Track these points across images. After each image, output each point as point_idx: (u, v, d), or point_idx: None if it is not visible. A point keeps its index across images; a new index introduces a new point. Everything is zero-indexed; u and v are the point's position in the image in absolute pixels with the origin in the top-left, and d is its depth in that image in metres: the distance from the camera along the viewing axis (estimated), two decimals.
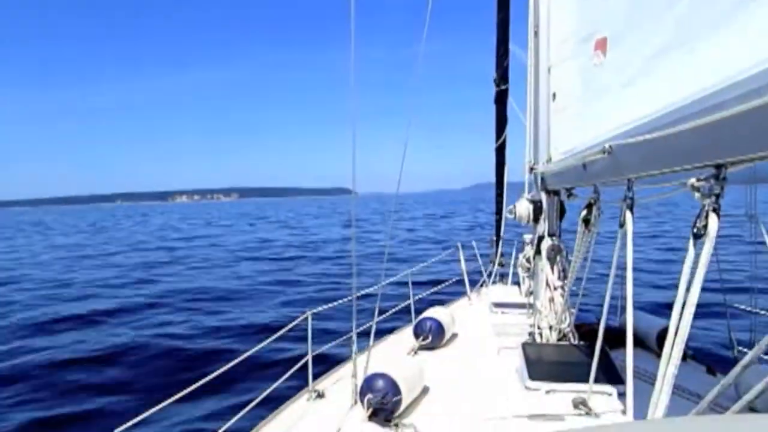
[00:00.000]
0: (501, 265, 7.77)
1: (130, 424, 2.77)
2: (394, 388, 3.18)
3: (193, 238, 37.50)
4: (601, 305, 2.87)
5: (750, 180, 3.48)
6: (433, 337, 4.63)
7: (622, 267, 2.48)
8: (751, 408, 1.47)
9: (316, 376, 3.98)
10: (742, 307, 4.34)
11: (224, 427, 3.34)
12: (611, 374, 3.40)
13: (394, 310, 6.11)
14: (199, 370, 7.74)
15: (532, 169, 4.71)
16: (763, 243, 3.42)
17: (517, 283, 7.00)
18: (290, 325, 4.12)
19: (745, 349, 3.86)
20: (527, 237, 5.15)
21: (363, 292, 5.00)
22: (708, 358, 4.58)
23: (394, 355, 4.31)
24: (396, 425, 3.15)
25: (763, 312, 4.18)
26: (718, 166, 1.62)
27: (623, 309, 4.70)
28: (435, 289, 7.72)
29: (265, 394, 3.87)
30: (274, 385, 3.98)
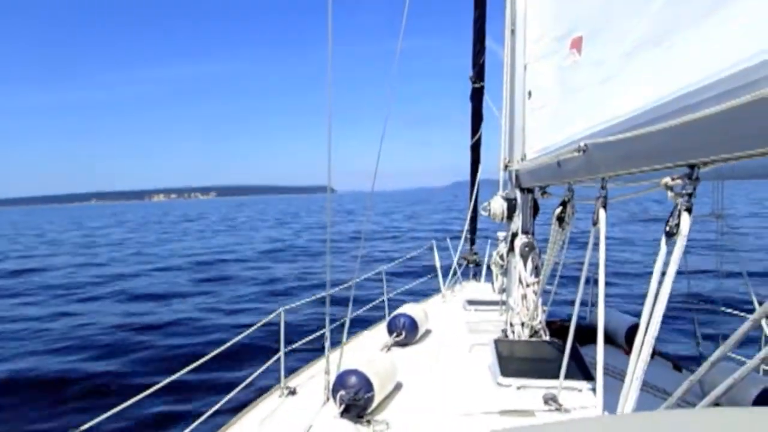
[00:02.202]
0: (475, 262, 7.82)
1: (100, 419, 2.70)
2: (366, 384, 3.16)
3: None
4: (573, 302, 2.90)
5: (717, 176, 3.54)
6: (407, 333, 4.63)
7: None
8: (717, 404, 1.50)
9: (288, 373, 3.94)
10: (711, 305, 4.45)
11: (195, 424, 3.29)
12: (582, 370, 3.44)
13: (367, 306, 6.09)
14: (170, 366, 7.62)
15: (506, 166, 4.74)
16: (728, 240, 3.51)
17: (490, 280, 7.05)
18: (262, 321, 4.07)
19: (710, 346, 3.95)
20: (501, 234, 5.18)
21: (336, 289, 4.97)
22: (673, 354, 4.68)
23: (367, 351, 4.30)
24: (368, 422, 3.13)
25: (727, 309, 4.28)
26: (691, 166, 1.64)
27: (594, 306, 4.77)
28: (409, 285, 7.73)
29: (236, 390, 3.81)
30: (246, 382, 3.93)
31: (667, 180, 1.73)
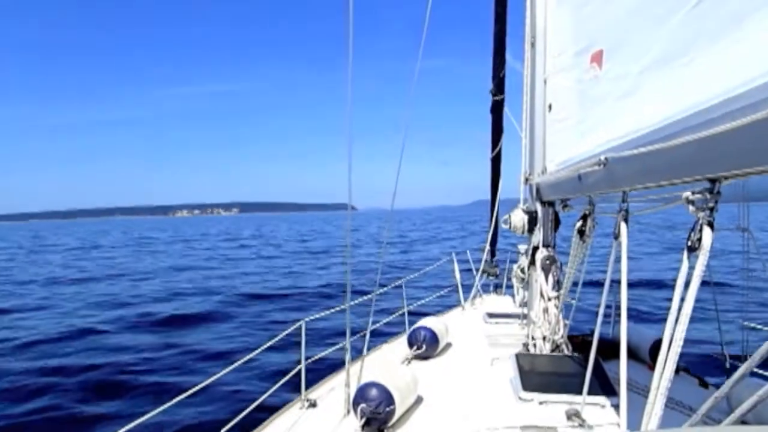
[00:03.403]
0: (495, 275, 7.77)
1: None
2: (387, 397, 3.16)
3: None
4: (595, 316, 2.87)
5: (743, 198, 3.50)
6: (427, 346, 4.62)
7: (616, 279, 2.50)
8: (743, 421, 1.48)
9: (309, 385, 3.95)
10: (738, 320, 4.36)
11: None
12: (605, 386, 3.40)
13: (388, 318, 6.10)
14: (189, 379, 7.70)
15: (527, 179, 4.73)
16: (755, 255, 3.45)
17: (510, 292, 7.01)
18: (284, 333, 4.11)
19: (738, 362, 3.87)
20: (522, 247, 5.15)
21: (357, 301, 4.99)
22: (700, 371, 4.59)
23: (387, 364, 4.29)
24: None
25: (755, 325, 4.20)
26: (713, 180, 1.63)
27: (617, 320, 4.71)
28: (429, 298, 7.71)
29: (257, 402, 3.84)
30: (267, 394, 3.96)
31: (688, 194, 1.72)
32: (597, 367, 3.23)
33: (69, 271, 25.09)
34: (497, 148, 7.21)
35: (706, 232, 1.66)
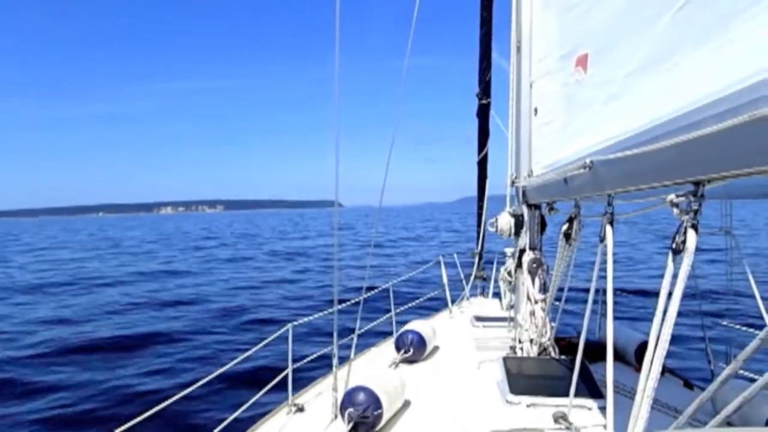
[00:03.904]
0: (482, 278, 7.78)
1: None
2: (375, 401, 3.15)
3: None
4: (582, 319, 2.89)
5: (726, 195, 3.55)
6: (415, 350, 4.62)
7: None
8: (729, 423, 1.48)
9: (296, 390, 3.93)
10: (722, 322, 4.41)
11: None
12: (591, 388, 3.41)
13: (375, 322, 6.08)
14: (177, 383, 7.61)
15: (513, 182, 4.75)
16: (739, 257, 3.49)
17: (497, 296, 7.02)
18: (270, 338, 4.07)
19: (722, 364, 3.91)
20: (508, 250, 5.17)
21: (344, 305, 4.97)
22: (685, 372, 4.62)
23: (375, 368, 4.28)
24: None
25: (739, 326, 4.24)
26: (697, 183, 1.65)
27: (603, 323, 4.74)
28: (416, 301, 7.70)
29: (244, 407, 3.81)
30: (254, 399, 3.92)
31: (672, 197, 1.73)
32: (583, 369, 3.24)
33: (23, 277, 22.12)
34: (483, 152, 7.24)
35: (690, 234, 1.68)
